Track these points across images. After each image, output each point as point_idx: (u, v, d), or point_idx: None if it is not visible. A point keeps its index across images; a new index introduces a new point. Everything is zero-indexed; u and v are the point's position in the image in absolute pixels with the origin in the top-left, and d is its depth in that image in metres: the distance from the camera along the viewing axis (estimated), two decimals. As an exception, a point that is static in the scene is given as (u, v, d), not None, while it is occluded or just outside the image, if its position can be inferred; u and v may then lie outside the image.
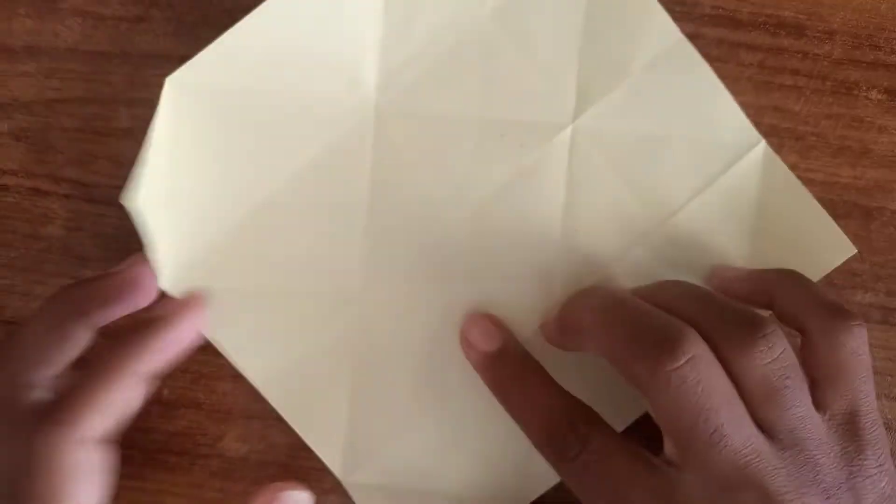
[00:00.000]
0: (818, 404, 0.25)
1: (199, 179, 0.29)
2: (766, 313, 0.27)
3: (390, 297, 0.30)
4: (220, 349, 0.29)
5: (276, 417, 0.30)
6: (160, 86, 0.30)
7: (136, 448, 0.30)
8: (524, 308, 0.30)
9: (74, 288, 0.27)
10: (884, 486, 0.24)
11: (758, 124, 0.30)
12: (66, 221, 0.30)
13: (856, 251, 0.30)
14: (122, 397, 0.26)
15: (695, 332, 0.24)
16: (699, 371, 0.23)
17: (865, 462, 0.25)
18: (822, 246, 0.30)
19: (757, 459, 0.23)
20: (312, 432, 0.30)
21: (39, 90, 0.30)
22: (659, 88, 0.30)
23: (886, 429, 0.31)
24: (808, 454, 0.24)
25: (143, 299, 0.27)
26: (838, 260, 0.30)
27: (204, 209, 0.29)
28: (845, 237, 0.30)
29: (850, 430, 0.25)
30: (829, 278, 0.31)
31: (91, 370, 0.26)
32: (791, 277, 0.28)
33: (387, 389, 0.30)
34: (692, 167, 0.30)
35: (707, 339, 0.24)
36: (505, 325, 0.29)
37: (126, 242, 0.30)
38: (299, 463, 0.31)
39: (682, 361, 0.23)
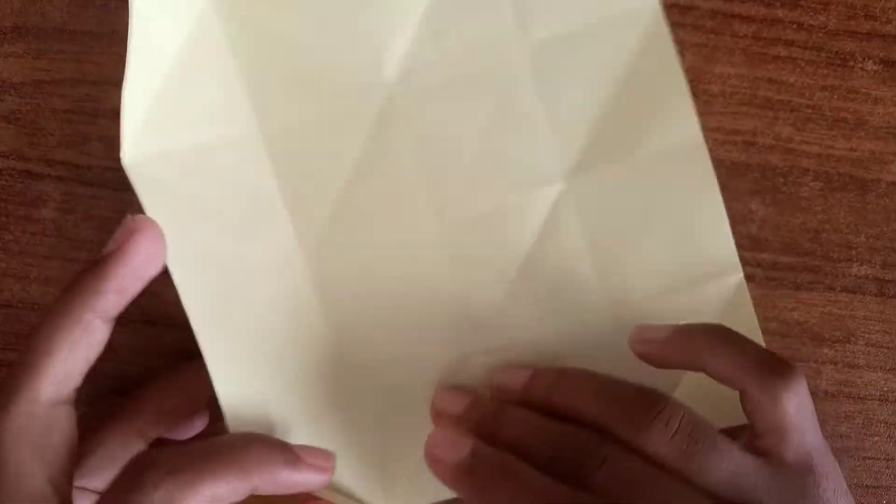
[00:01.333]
0: (765, 451, 0.25)
1: (192, 88, 0.28)
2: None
3: (338, 283, 0.29)
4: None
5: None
6: (151, 66, 0.30)
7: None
8: (466, 345, 0.30)
9: (80, 283, 0.25)
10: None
11: (753, 97, 0.30)
12: (60, 204, 0.30)
13: None
14: (84, 344, 0.25)
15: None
16: None
17: (824, 492, 0.25)
18: None
19: None
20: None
21: (29, 71, 0.30)
22: (659, 180, 0.29)
23: (884, 401, 0.31)
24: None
25: (153, 269, 0.26)
26: None
27: (186, 115, 0.28)
28: None
29: (804, 469, 0.25)
30: (825, 251, 0.31)
31: (45, 321, 0.24)
32: (718, 337, 0.27)
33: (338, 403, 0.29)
34: (661, 269, 0.29)
35: (612, 434, 0.25)
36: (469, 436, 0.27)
37: (120, 223, 0.30)
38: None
39: None
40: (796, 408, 0.25)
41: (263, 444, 0.25)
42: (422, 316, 0.29)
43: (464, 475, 0.26)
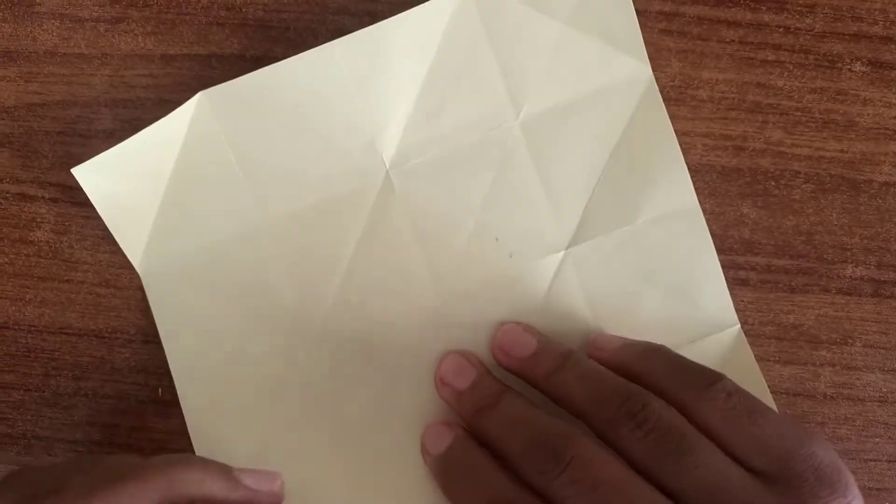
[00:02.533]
0: (739, 461, 0.24)
1: (194, 191, 0.29)
2: None
3: (343, 357, 0.30)
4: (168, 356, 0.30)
5: (271, 413, 0.30)
6: (143, 86, 0.30)
7: (133, 449, 0.30)
8: None
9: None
10: None
11: (741, 101, 0.30)
12: (54, 225, 0.30)
13: None
14: None
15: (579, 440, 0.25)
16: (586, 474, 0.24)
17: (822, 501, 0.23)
18: None
19: None
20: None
21: (20, 95, 0.30)
22: (657, 245, 0.30)
23: (883, 402, 0.31)
24: None
25: None
26: None
27: (192, 219, 0.29)
28: None
29: (785, 479, 0.24)
30: (819, 253, 0.31)
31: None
32: (652, 353, 0.27)
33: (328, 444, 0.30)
34: (663, 330, 0.30)
35: (592, 427, 0.26)
36: (458, 423, 0.29)
37: (113, 243, 0.30)
38: (296, 457, 0.31)
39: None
40: (722, 412, 0.25)
41: (199, 464, 0.26)
42: (426, 388, 0.30)
43: (439, 467, 0.28)
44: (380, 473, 0.30)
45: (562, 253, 0.30)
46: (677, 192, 0.30)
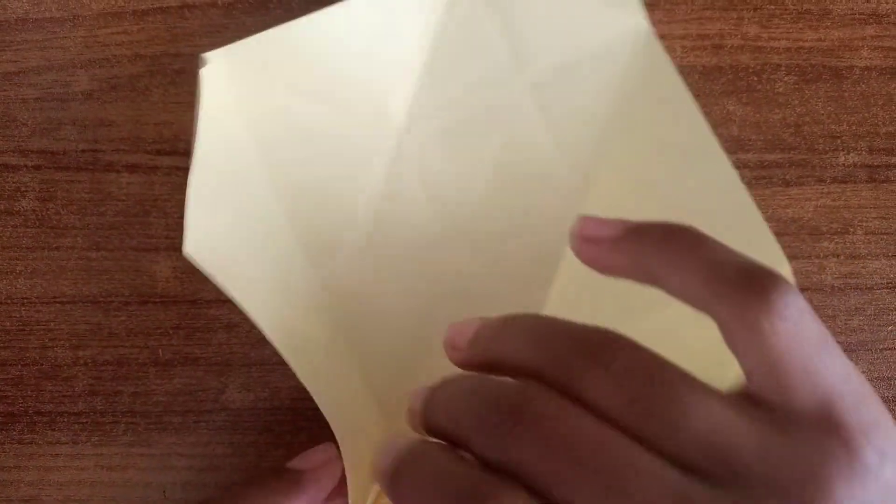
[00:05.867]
0: (761, 398, 0.19)
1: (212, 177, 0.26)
2: None
3: (365, 333, 0.29)
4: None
5: (276, 362, 0.29)
6: (117, 43, 0.30)
7: (137, 414, 0.30)
8: None
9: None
10: (889, 477, 0.18)
11: (714, 0, 0.30)
12: (39, 193, 0.30)
13: None
14: None
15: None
16: None
17: (859, 454, 0.18)
18: None
19: None
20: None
21: (-5, 64, 0.30)
22: (675, 178, 0.29)
23: (892, 288, 0.31)
24: (746, 475, 0.17)
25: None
26: None
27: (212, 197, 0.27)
28: None
29: (823, 421, 0.18)
30: (810, 144, 0.31)
31: None
32: (676, 241, 0.20)
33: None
34: None
35: (556, 385, 0.19)
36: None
37: (100, 206, 0.30)
38: (305, 405, 0.30)
39: None
40: (788, 335, 0.18)
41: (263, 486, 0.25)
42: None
43: (389, 487, 0.21)
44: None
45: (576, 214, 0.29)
46: (689, 132, 0.28)
